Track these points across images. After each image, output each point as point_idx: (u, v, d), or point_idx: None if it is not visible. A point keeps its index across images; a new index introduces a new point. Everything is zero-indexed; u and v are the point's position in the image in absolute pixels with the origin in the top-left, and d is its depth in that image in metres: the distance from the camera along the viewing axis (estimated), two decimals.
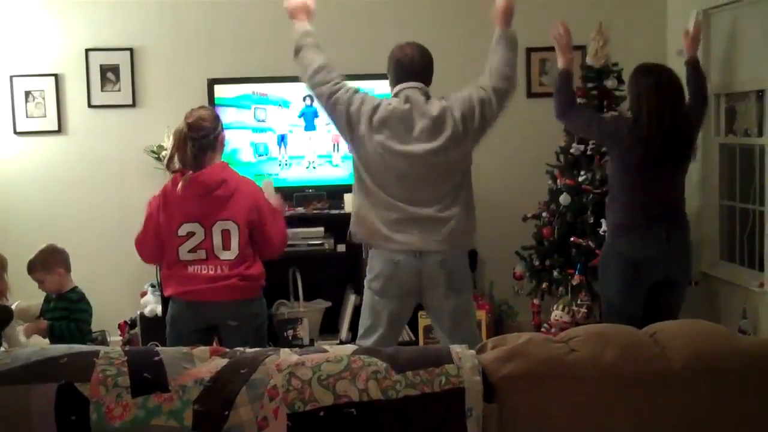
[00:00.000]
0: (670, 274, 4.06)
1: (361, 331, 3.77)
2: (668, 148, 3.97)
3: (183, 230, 3.69)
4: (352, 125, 3.60)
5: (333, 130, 5.27)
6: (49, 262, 4.51)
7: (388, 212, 3.58)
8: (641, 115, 3.99)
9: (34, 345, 4.17)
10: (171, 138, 3.76)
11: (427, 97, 3.66)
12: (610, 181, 4.30)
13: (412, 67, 3.70)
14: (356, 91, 3.67)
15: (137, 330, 5.24)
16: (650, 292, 4.07)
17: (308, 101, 5.35)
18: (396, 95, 3.67)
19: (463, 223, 3.63)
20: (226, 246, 3.69)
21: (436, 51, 3.84)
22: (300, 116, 5.41)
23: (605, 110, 4.99)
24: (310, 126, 5.41)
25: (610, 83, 5.04)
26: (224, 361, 1.97)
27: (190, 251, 3.69)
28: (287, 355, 1.98)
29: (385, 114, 3.57)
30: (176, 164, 3.73)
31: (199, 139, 3.69)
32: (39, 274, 4.50)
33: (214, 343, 3.81)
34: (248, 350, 2.03)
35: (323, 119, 5.34)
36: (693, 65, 4.44)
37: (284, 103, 5.41)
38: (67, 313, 4.51)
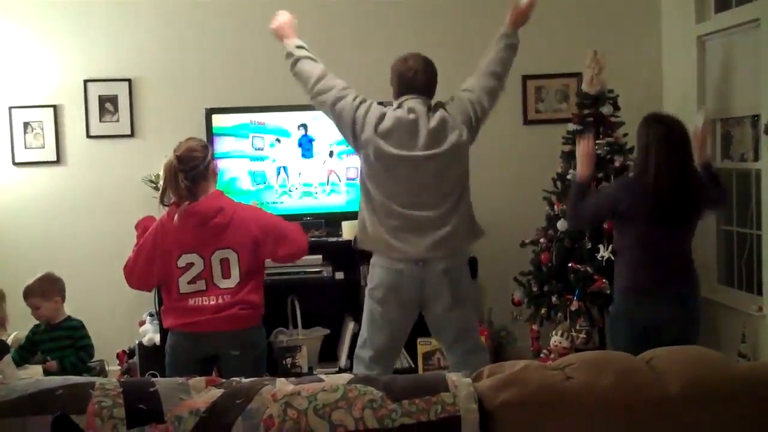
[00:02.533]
0: (683, 335, 3.85)
1: (360, 341, 3.76)
2: (675, 204, 3.81)
3: (182, 261, 3.69)
4: (356, 132, 3.67)
5: (328, 161, 5.38)
6: (48, 289, 4.51)
7: (390, 219, 3.62)
8: (648, 165, 3.82)
9: (29, 377, 4.15)
10: (162, 172, 3.75)
11: (430, 108, 3.73)
12: (615, 237, 4.19)
13: (415, 81, 3.76)
14: (363, 99, 3.74)
15: (136, 359, 5.22)
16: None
17: (302, 130, 5.38)
18: (400, 105, 3.71)
19: (463, 229, 3.67)
20: (225, 275, 3.69)
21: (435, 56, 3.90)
22: (299, 145, 5.44)
23: (601, 136, 5.01)
24: (307, 154, 5.43)
25: (605, 110, 5.07)
26: (220, 392, 1.96)
27: (189, 282, 3.68)
28: (283, 385, 1.97)
29: (390, 123, 3.65)
30: (170, 198, 3.72)
31: (190, 170, 3.68)
32: (37, 300, 4.49)
33: (213, 374, 3.80)
34: (244, 380, 2.03)
35: (320, 147, 5.39)
36: (705, 168, 4.07)
37: (283, 132, 5.43)
38: (72, 342, 4.50)
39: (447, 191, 3.66)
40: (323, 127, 5.38)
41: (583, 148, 4.20)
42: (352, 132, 3.68)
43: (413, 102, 3.70)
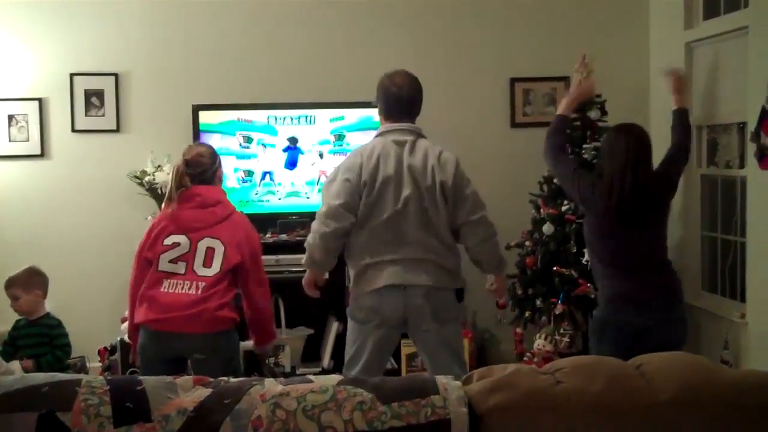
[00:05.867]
0: (671, 339, 3.83)
1: (345, 359, 3.75)
2: (630, 210, 3.85)
3: (169, 240, 3.71)
4: (361, 189, 3.66)
5: (318, 162, 5.38)
6: (29, 281, 4.48)
7: (376, 247, 3.61)
8: (604, 173, 3.94)
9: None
10: (169, 174, 3.87)
11: (415, 138, 3.74)
12: (587, 245, 4.19)
13: (401, 99, 3.75)
14: (347, 179, 3.66)
15: (117, 356, 5.19)
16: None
17: (291, 143, 5.39)
18: (383, 135, 3.75)
19: (448, 263, 3.67)
20: (207, 263, 3.69)
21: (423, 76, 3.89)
22: (286, 158, 5.45)
23: (588, 140, 5.03)
24: (291, 167, 5.44)
25: (593, 114, 5.08)
26: (208, 391, 1.95)
27: (170, 261, 3.69)
28: (272, 385, 1.96)
29: (375, 160, 3.66)
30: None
31: (197, 175, 3.80)
32: (17, 290, 4.45)
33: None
34: (232, 380, 2.01)
35: (306, 160, 5.40)
36: (680, 114, 4.45)
37: (270, 130, 5.42)
38: (48, 339, 4.47)
39: (428, 226, 3.68)
40: (312, 133, 5.40)
41: (576, 90, 4.56)
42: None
43: (397, 135, 3.73)
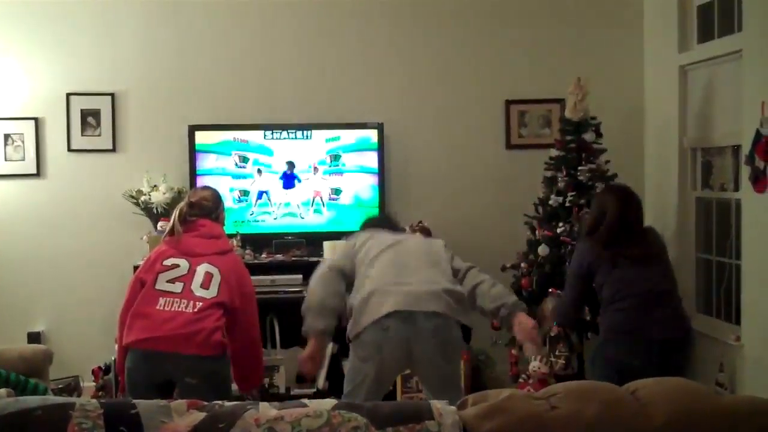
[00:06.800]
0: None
1: (345, 391, 3.67)
2: (631, 242, 4.08)
3: (168, 261, 3.70)
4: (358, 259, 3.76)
5: (313, 179, 5.39)
6: None
7: (381, 278, 3.62)
8: (601, 222, 4.15)
9: None
10: (171, 214, 3.90)
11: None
12: (601, 298, 4.18)
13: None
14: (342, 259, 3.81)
15: (111, 376, 5.16)
16: None
17: (288, 168, 5.41)
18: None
19: (456, 293, 3.62)
20: (204, 285, 3.65)
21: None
22: (281, 178, 5.46)
23: (583, 162, 5.04)
24: (288, 186, 5.46)
25: (588, 136, 5.09)
26: (202, 415, 1.94)
27: (168, 281, 3.65)
28: (266, 410, 1.95)
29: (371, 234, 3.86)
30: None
31: (201, 217, 3.85)
32: None
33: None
34: (226, 404, 2.00)
35: (304, 167, 5.41)
36: None
37: (266, 150, 5.43)
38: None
39: (433, 267, 3.74)
40: (308, 153, 5.41)
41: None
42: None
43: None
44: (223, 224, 4.01)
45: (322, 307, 3.63)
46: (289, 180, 5.44)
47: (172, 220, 3.83)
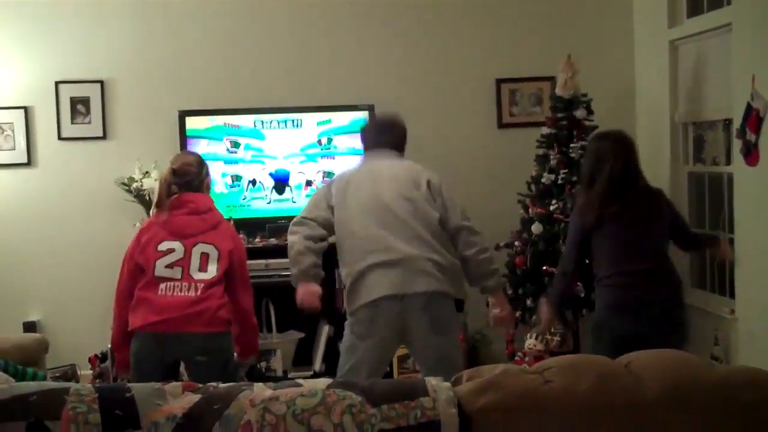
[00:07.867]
0: (669, 343, 3.86)
1: (340, 372, 3.69)
2: (630, 201, 3.88)
3: (163, 246, 3.68)
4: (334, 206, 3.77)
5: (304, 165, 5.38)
6: None
7: (369, 254, 3.60)
8: (598, 174, 3.92)
9: None
10: (156, 183, 3.87)
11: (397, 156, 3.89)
12: (595, 263, 4.07)
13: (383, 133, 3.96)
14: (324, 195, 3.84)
15: (108, 363, 5.17)
16: None
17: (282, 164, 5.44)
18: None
19: (446, 261, 3.63)
20: (202, 268, 3.67)
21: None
22: (271, 175, 5.47)
23: (575, 139, 5.04)
24: (280, 191, 5.47)
25: (579, 113, 5.09)
26: (197, 397, 1.94)
27: (166, 266, 3.65)
28: (261, 390, 1.95)
29: (355, 177, 3.81)
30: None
31: (185, 184, 3.78)
32: None
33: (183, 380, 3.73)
34: (221, 385, 2.01)
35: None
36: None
37: (256, 134, 5.41)
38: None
39: (418, 228, 3.68)
40: (299, 137, 5.40)
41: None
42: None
43: (378, 150, 3.90)
44: (209, 189, 3.94)
45: (299, 253, 3.72)
46: (281, 180, 5.46)
47: (157, 192, 3.80)
